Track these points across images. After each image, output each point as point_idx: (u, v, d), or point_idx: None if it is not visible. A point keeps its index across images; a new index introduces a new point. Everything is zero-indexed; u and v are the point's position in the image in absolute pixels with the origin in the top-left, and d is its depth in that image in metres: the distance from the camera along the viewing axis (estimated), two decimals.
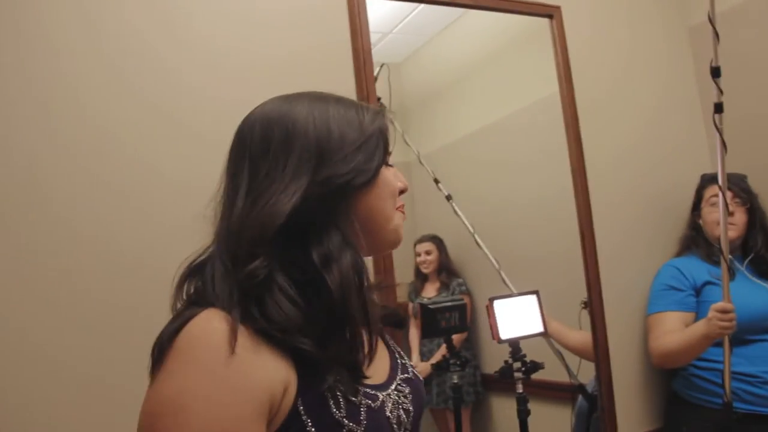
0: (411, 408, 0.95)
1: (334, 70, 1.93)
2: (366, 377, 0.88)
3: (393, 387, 0.95)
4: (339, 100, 0.96)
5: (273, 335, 0.80)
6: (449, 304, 1.90)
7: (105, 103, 1.63)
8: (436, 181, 2.45)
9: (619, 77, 2.59)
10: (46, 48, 1.58)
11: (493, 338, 1.85)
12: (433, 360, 2.50)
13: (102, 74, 1.64)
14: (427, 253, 2.80)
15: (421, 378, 1.05)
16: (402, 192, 1.01)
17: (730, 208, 2.28)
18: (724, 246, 1.89)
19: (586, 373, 2.36)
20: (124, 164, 1.63)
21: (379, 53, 2.73)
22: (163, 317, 0.85)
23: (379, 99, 2.52)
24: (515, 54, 2.77)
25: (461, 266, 2.79)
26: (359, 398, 0.86)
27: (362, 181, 0.91)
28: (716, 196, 2.33)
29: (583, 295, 2.38)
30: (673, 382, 2.36)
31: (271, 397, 0.78)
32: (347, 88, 1.91)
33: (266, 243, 0.84)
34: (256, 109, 0.96)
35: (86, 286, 1.56)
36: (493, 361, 2.52)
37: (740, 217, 2.33)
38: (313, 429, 0.80)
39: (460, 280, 2.77)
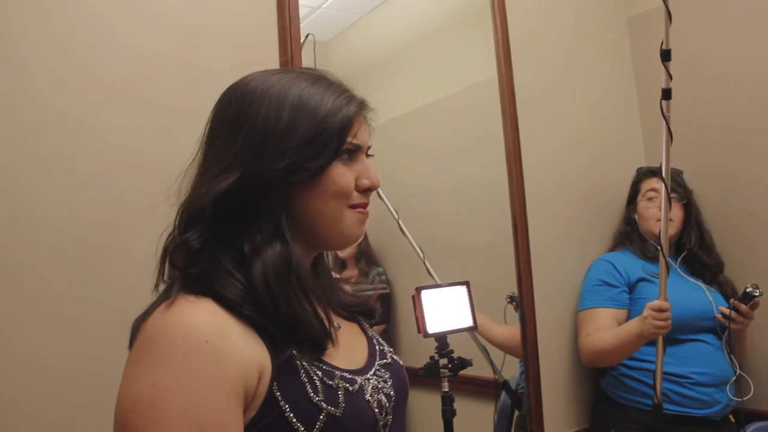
0: (392, 393, 0.95)
1: (256, 26, 1.77)
2: (325, 348, 0.88)
3: (372, 372, 0.95)
4: (317, 81, 0.93)
5: (240, 313, 0.81)
6: (371, 292, 1.75)
7: (52, 76, 1.46)
8: None
9: (559, 66, 2.50)
10: None
11: (419, 332, 1.69)
12: None
13: (49, 47, 1.46)
14: None
15: (401, 363, 1.05)
16: (369, 190, 0.96)
17: None
18: (664, 242, 1.81)
19: (511, 369, 2.27)
20: (75, 142, 1.47)
21: (306, 29, 2.57)
22: (130, 301, 0.87)
23: None
24: (453, 35, 2.66)
25: (382, 254, 2.65)
26: (336, 381, 0.86)
27: (298, 180, 0.88)
28: (653, 190, 2.28)
29: (510, 288, 2.29)
30: (602, 381, 2.28)
31: (245, 383, 0.78)
32: (269, 49, 1.75)
33: (194, 221, 0.86)
34: (237, 81, 0.95)
35: (46, 275, 1.41)
36: (411, 355, 2.40)
37: (677, 213, 2.27)
38: (291, 414, 0.80)
39: (380, 269, 2.62)
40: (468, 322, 1.77)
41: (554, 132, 2.41)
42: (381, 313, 1.75)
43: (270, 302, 0.83)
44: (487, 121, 2.37)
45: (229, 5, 1.72)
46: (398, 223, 2.26)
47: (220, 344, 0.78)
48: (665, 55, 1.64)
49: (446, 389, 1.76)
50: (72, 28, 1.49)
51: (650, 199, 2.29)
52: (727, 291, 2.25)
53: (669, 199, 1.79)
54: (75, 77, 1.48)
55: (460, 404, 2.12)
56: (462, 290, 1.79)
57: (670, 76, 1.65)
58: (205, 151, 0.92)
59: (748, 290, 2.06)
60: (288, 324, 0.85)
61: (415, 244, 2.24)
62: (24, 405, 1.35)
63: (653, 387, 1.89)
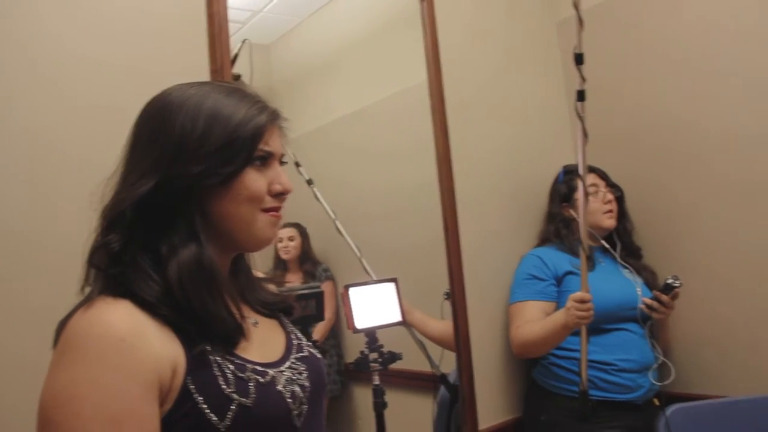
0: (307, 384, 1.02)
1: (186, 34, 1.79)
2: (237, 342, 0.94)
3: (287, 365, 1.02)
4: (231, 93, 0.99)
5: (156, 312, 0.88)
6: (305, 291, 1.82)
7: None
8: (297, 165, 2.35)
9: (490, 69, 2.58)
10: None
11: (348, 327, 1.76)
12: None
13: None
14: (290, 239, 2.68)
15: (319, 357, 1.12)
16: (281, 195, 1.01)
17: (609, 197, 2.37)
18: (584, 236, 1.89)
19: (449, 363, 2.33)
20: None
21: (247, 32, 2.61)
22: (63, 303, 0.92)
23: (239, 77, 2.40)
24: (390, 38, 2.71)
25: (324, 255, 2.70)
26: (247, 374, 0.92)
27: (211, 184, 0.94)
28: (595, 185, 2.36)
29: (447, 285, 2.34)
30: (533, 371, 2.37)
31: (160, 377, 0.84)
32: (199, 57, 1.77)
33: (115, 225, 0.92)
34: (158, 94, 1.00)
35: None
36: (356, 350, 2.46)
37: (615, 205, 2.39)
38: (204, 405, 0.87)
39: (325, 266, 2.67)
40: (396, 317, 1.84)
41: (485, 134, 2.49)
42: (313, 311, 1.82)
43: (184, 299, 0.90)
44: (421, 123, 2.43)
45: (163, 15, 1.75)
46: (335, 223, 2.32)
47: (135, 342, 0.84)
48: (578, 59, 1.73)
49: (377, 382, 1.83)
50: (11, 27, 1.51)
51: (593, 193, 2.35)
52: (648, 279, 2.36)
53: (586, 195, 1.88)
54: (11, 75, 1.50)
55: (400, 398, 2.18)
56: (390, 287, 1.86)
57: (584, 79, 1.75)
58: (127, 159, 0.98)
59: (668, 281, 2.16)
60: (201, 320, 0.91)
61: (352, 244, 2.30)
62: None
63: (579, 374, 1.98)
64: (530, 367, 2.39)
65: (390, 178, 2.66)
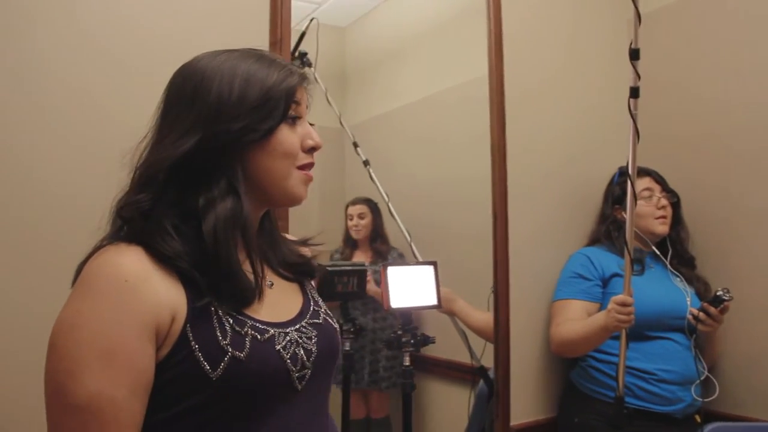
0: (314, 349, 1.04)
1: (247, 4, 1.83)
2: (250, 302, 0.99)
3: (295, 327, 1.04)
4: (261, 58, 1.05)
5: (165, 261, 0.93)
6: (348, 268, 1.84)
7: (57, 41, 1.56)
8: (355, 145, 2.38)
9: (554, 62, 2.54)
10: None
11: (383, 306, 1.78)
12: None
13: (56, 14, 1.56)
14: (360, 216, 2.69)
15: (335, 326, 1.15)
16: (313, 149, 1.07)
17: (663, 202, 2.31)
18: (630, 239, 1.85)
19: (491, 357, 2.32)
20: (72, 106, 1.57)
21: (323, 14, 2.65)
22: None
23: (305, 54, 2.43)
24: (460, 28, 2.72)
25: None
26: (246, 330, 0.96)
27: (251, 139, 0.99)
28: (648, 189, 2.31)
29: None
30: (571, 372, 2.34)
31: (157, 321, 0.90)
32: (259, 28, 1.81)
33: (154, 183, 0.97)
34: (187, 62, 1.06)
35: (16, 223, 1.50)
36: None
37: (670, 211, 2.33)
38: (199, 353, 0.91)
39: (400, 251, 2.66)
40: (432, 300, 1.85)
41: (543, 128, 2.46)
42: (354, 287, 1.85)
43: (213, 251, 0.95)
44: (480, 115, 2.40)
45: None
46: (388, 205, 2.35)
47: (137, 284, 0.90)
48: (634, 55, 1.70)
49: (407, 363, 1.84)
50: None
51: (647, 197, 2.31)
52: (700, 290, 2.30)
53: (635, 197, 1.83)
54: (77, 45, 1.57)
55: (440, 388, 2.18)
56: (429, 270, 1.87)
57: (639, 76, 1.71)
58: (160, 123, 1.03)
59: (718, 293, 2.10)
60: (222, 274, 0.96)
61: (402, 227, 2.32)
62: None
63: (617, 380, 1.94)
64: (568, 368, 2.36)
65: (445, 167, 2.67)
